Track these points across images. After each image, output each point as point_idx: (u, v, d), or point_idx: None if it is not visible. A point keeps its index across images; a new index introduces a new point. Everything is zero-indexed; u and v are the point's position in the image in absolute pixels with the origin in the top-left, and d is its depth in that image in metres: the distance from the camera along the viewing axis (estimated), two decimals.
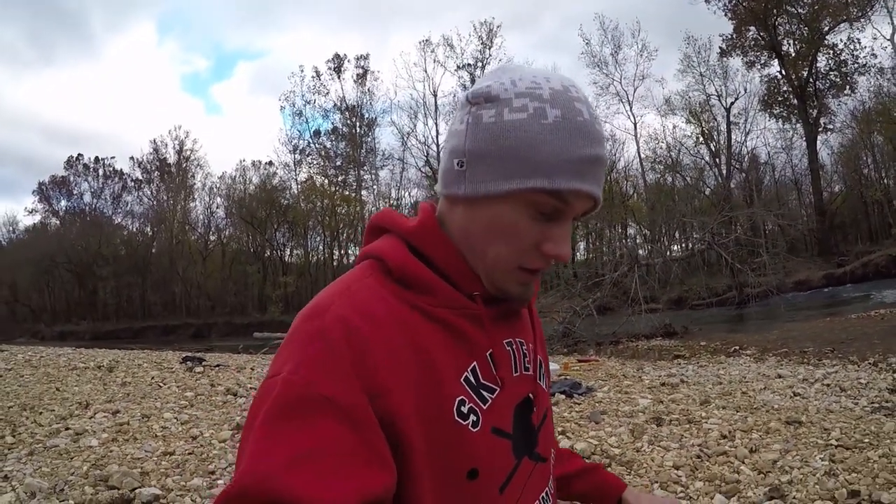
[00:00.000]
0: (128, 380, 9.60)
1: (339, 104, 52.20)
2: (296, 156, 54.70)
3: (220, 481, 4.53)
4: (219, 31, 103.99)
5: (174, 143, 60.27)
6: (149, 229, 62.29)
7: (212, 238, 60.92)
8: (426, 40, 51.02)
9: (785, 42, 42.46)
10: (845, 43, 40.47)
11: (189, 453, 5.24)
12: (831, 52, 41.10)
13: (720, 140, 44.52)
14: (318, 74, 52.37)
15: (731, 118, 43.93)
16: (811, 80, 41.51)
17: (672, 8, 65.19)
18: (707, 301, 22.64)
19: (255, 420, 0.67)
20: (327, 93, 52.63)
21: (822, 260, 35.69)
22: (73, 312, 58.60)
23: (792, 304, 21.16)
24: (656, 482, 4.23)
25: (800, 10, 41.05)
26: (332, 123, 53.91)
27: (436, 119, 49.08)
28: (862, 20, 38.87)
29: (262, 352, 17.52)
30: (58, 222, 63.94)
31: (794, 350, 10.88)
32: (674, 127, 52.21)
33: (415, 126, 51.94)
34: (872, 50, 39.64)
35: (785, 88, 42.90)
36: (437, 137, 48.78)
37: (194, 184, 60.80)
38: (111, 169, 62.35)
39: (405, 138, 49.62)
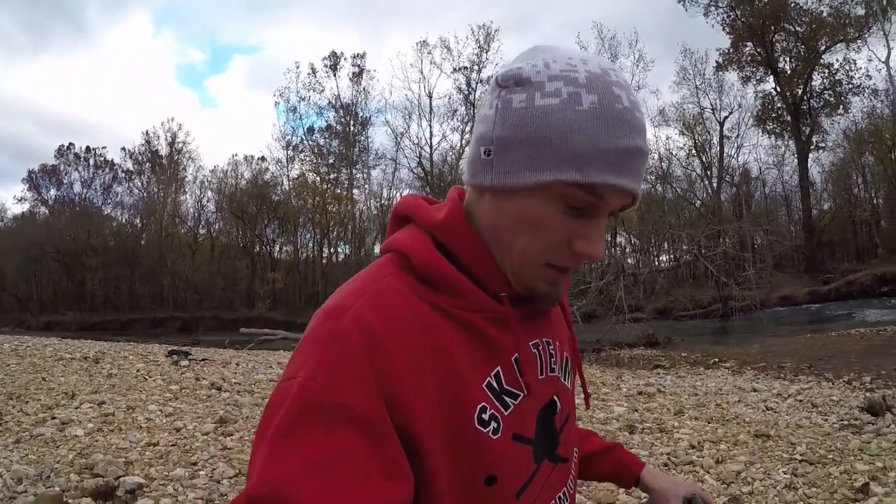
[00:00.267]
0: (114, 371, 9.66)
1: (333, 102, 52.08)
2: (288, 152, 54.50)
3: (201, 472, 4.64)
4: (215, 24, 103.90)
5: (166, 135, 59.94)
6: (138, 221, 61.92)
7: (201, 232, 60.69)
8: (423, 41, 51.25)
9: (781, 59, 42.87)
10: (841, 63, 40.90)
11: (172, 445, 5.33)
12: (827, 71, 41.51)
13: (712, 153, 44.83)
14: (313, 71, 52.27)
15: (724, 132, 44.27)
16: (805, 98, 41.90)
17: (671, 20, 65.80)
18: (692, 312, 22.87)
19: (269, 425, 0.65)
20: (322, 90, 52.51)
21: (808, 276, 35.96)
22: (61, 303, 58.37)
23: (775, 319, 21.39)
24: (622, 488, 4.37)
25: (798, 29, 41.44)
26: (326, 121, 53.67)
27: (430, 121, 49.12)
28: (858, 41, 39.32)
29: (248, 347, 17.48)
30: (47, 211, 63.70)
31: (772, 365, 11.05)
32: (667, 138, 52.35)
33: (408, 127, 52.03)
34: (867, 71, 40.07)
35: (779, 105, 43.30)
36: (430, 139, 48.83)
37: (185, 176, 60.50)
38: (102, 159, 62.04)
39: (398, 139, 49.64)
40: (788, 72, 42.22)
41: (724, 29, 43.53)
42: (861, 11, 38.67)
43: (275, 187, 56.28)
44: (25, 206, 64.43)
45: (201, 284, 56.59)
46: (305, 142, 54.30)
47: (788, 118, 42.38)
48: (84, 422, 5.98)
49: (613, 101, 0.71)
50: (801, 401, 7.52)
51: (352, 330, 0.68)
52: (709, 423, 6.38)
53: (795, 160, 42.86)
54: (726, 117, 44.18)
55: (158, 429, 5.92)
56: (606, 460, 1.19)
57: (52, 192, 63.50)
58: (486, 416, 0.74)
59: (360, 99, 51.80)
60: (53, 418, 6.06)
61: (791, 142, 43.21)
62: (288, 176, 55.34)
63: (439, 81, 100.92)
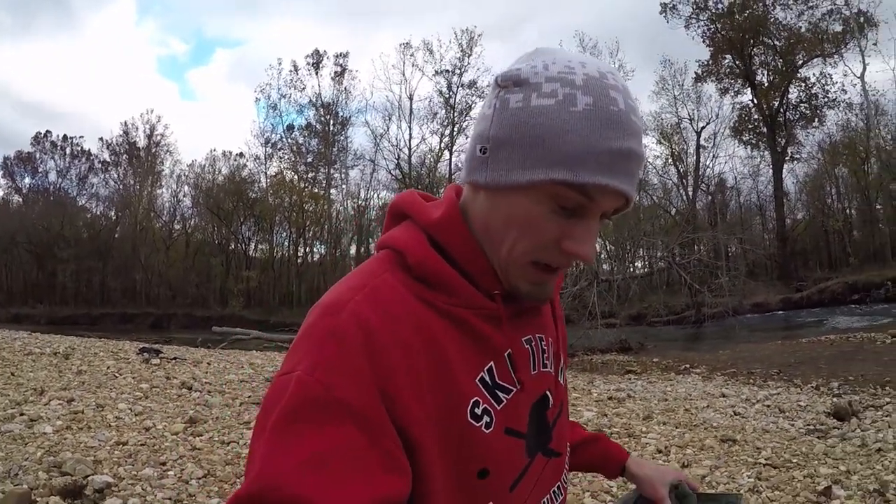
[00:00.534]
0: (83, 368, 9.56)
1: (314, 100, 51.86)
2: (267, 149, 54.10)
3: (170, 472, 4.63)
4: (200, 16, 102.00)
5: (145, 127, 59.03)
6: (113, 213, 61.05)
7: (176, 227, 59.98)
8: (406, 43, 50.84)
9: (759, 72, 43.59)
10: (817, 77, 41.67)
11: (141, 444, 5.31)
12: (803, 84, 42.29)
13: (688, 162, 45.31)
14: (295, 69, 52.00)
15: (701, 142, 44.79)
16: (782, 110, 42.63)
17: (652, 31, 66.45)
18: (665, 318, 23.09)
19: (267, 420, 0.66)
20: (304, 88, 52.24)
21: (780, 284, 36.42)
22: (30, 294, 57.23)
23: (747, 326, 21.64)
24: (588, 492, 4.43)
25: (776, 43, 42.17)
26: (306, 119, 53.48)
27: (409, 122, 49.10)
28: (835, 56, 40.08)
29: (220, 347, 17.34)
30: (20, 200, 62.70)
31: (742, 370, 11.21)
32: (645, 146, 52.86)
33: (388, 128, 52.03)
34: (843, 86, 40.76)
35: (755, 117, 43.98)
36: (409, 141, 48.79)
37: (162, 170, 59.73)
38: (79, 148, 60.93)
39: (378, 140, 49.52)
40: (766, 84, 42.94)
41: (704, 41, 44.19)
42: (839, 28, 39.50)
43: (252, 184, 55.85)
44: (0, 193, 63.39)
45: (175, 280, 55.96)
46: (284, 139, 54.02)
47: (764, 129, 43.08)
48: (53, 419, 5.92)
49: (609, 103, 0.72)
50: (768, 406, 7.66)
51: (349, 325, 0.69)
52: (676, 427, 6.47)
53: (770, 171, 43.54)
54: (703, 127, 44.73)
55: (128, 428, 5.88)
56: (591, 450, 1.20)
57: (27, 180, 62.56)
58: (478, 411, 0.76)
59: (340, 98, 51.67)
60: (22, 414, 5.99)
61: (766, 153, 43.90)
62: (266, 173, 55.04)
63: (421, 84, 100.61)
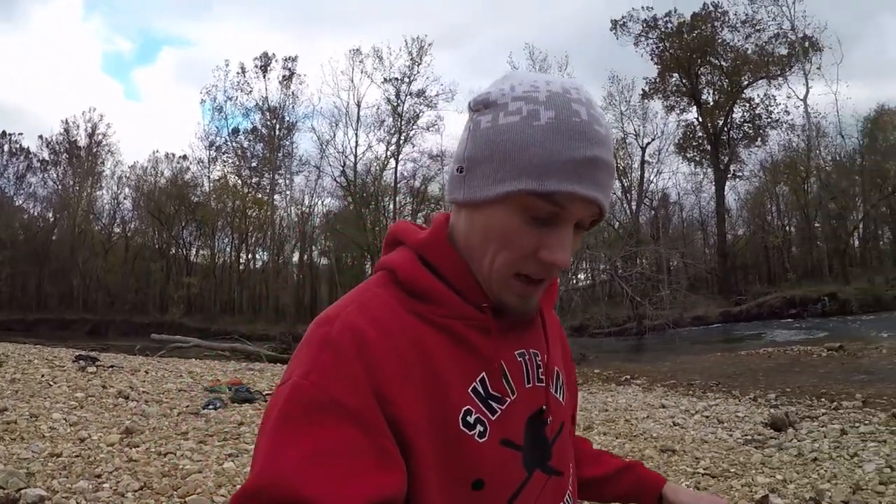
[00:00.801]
0: (17, 376, 9.24)
1: (261, 104, 50.82)
2: (211, 152, 52.79)
3: (105, 485, 4.50)
4: (148, 13, 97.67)
5: (87, 126, 56.78)
6: (51, 215, 58.91)
7: (116, 230, 58.08)
8: (356, 49, 50.35)
9: (705, 91, 45.03)
10: (762, 98, 43.21)
11: (76, 455, 5.16)
12: (748, 104, 43.82)
13: (633, 177, 46.18)
14: (243, 71, 50.88)
15: (646, 157, 45.74)
16: (726, 129, 44.03)
17: (602, 47, 67.64)
18: (607, 330, 23.39)
19: (268, 422, 0.69)
20: (250, 91, 51.05)
21: (721, 298, 37.37)
22: None
23: (688, 339, 22.13)
24: None
25: (723, 63, 43.59)
26: (252, 123, 52.28)
27: (356, 130, 48.74)
28: (780, 79, 41.62)
29: (158, 355, 17.02)
30: None
31: (681, 382, 11.45)
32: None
33: (334, 135, 51.26)
34: (786, 107, 42.27)
35: (700, 134, 45.27)
36: (355, 148, 48.41)
37: (103, 171, 57.46)
38: (18, 146, 58.52)
39: (324, 146, 48.93)
40: (711, 103, 44.33)
41: (652, 59, 45.37)
42: (784, 51, 41.01)
43: (195, 188, 54.60)
44: None
45: (113, 286, 54.29)
46: (229, 143, 52.76)
47: (708, 147, 44.42)
48: None
49: (571, 115, 0.75)
50: (707, 417, 7.82)
51: (342, 333, 0.73)
52: (617, 438, 6.57)
53: (713, 187, 44.92)
54: (648, 143, 45.72)
55: (62, 438, 5.72)
56: (625, 479, 1.16)
57: None
58: (471, 419, 0.77)
59: (287, 103, 50.76)
60: None
61: (709, 170, 45.27)
62: (209, 177, 53.84)
63: (369, 91, 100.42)
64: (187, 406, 7.81)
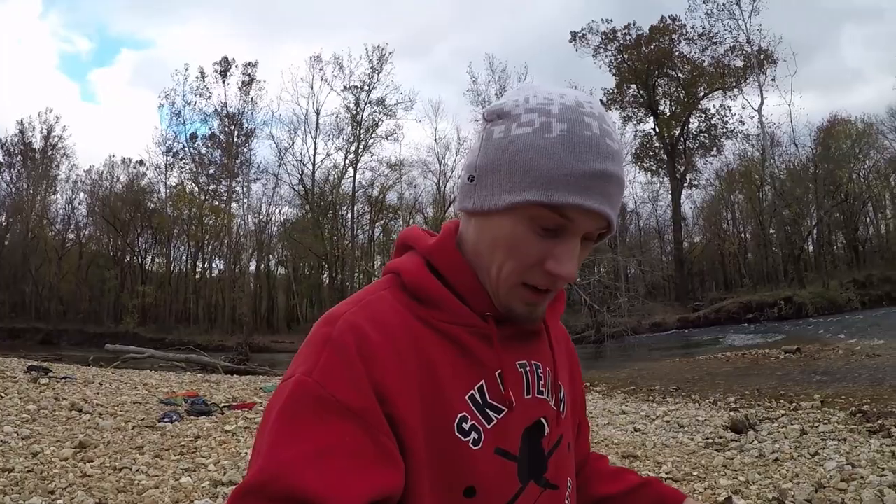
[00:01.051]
0: None
1: (219, 110, 50.23)
2: (168, 158, 51.93)
3: (59, 501, 4.33)
4: (107, 13, 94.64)
5: (42, 128, 55.17)
6: (3, 219, 57.11)
7: (70, 236, 56.65)
8: (317, 57, 50.38)
9: (662, 102, 46.00)
10: (717, 109, 44.55)
11: (28, 471, 4.96)
12: (704, 115, 45.13)
13: None
14: (202, 76, 50.33)
15: None
16: (682, 139, 45.03)
17: (561, 58, 68.36)
18: None
19: (269, 418, 0.70)
20: (209, 96, 50.55)
21: (678, 304, 38.07)
22: None
23: (646, 345, 22.39)
24: None
25: (679, 75, 44.70)
26: (210, 129, 51.70)
27: (315, 137, 48.48)
28: (735, 90, 42.76)
29: (113, 365, 16.67)
30: None
31: (641, 388, 11.53)
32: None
33: (293, 142, 51.23)
34: (741, 118, 43.70)
35: (657, 144, 46.23)
36: (314, 156, 48.17)
37: (58, 175, 55.94)
38: None
39: (282, 154, 48.66)
40: (668, 114, 45.31)
41: (610, 70, 46.22)
42: (740, 64, 42.16)
43: (151, 194, 53.86)
44: None
45: (67, 294, 53.08)
46: (187, 149, 52.02)
47: (665, 157, 45.32)
48: None
49: (583, 128, 0.76)
50: (668, 422, 7.87)
51: (344, 332, 0.74)
52: None
53: (669, 196, 45.83)
54: None
55: (14, 453, 5.52)
56: (644, 496, 1.12)
57: None
58: (466, 426, 0.78)
59: (246, 109, 50.24)
60: None
61: (666, 179, 46.17)
62: (165, 183, 53.05)
63: (329, 98, 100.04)
64: (142, 419, 7.60)
